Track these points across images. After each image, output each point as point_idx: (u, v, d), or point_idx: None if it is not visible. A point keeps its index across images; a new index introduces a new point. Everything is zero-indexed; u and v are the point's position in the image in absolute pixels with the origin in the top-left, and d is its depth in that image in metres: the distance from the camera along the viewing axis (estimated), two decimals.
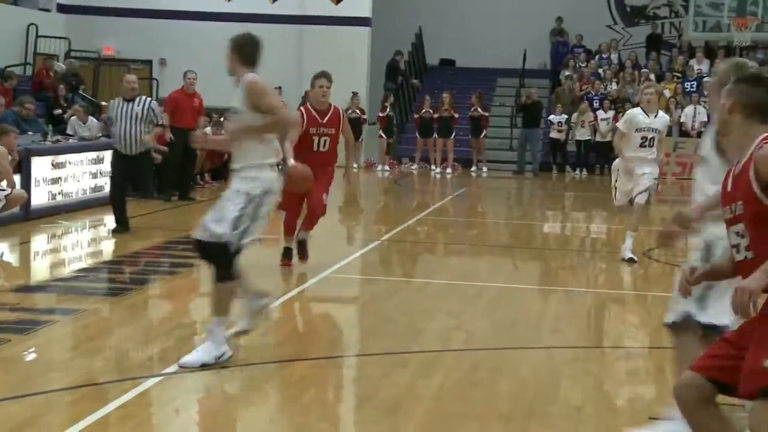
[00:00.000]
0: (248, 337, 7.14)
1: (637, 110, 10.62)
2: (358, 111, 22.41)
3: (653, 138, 10.33)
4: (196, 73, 15.75)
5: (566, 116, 23.49)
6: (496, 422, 5.27)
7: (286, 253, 9.57)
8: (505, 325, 7.81)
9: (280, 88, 23.75)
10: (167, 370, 5.97)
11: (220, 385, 5.93)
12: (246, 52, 6.13)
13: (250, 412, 5.48)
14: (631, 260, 10.44)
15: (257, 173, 6.03)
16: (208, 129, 18.18)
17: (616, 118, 22.40)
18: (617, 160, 10.63)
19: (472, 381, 6.04)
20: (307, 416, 5.42)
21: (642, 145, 10.31)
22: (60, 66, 20.40)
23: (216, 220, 6.02)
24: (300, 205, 9.43)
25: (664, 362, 6.55)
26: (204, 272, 9.88)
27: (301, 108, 9.59)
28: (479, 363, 6.53)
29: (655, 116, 10.42)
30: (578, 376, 6.28)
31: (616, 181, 10.65)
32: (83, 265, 10.23)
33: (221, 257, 6.01)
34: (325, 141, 9.29)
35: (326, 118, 9.34)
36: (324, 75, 9.45)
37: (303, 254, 9.62)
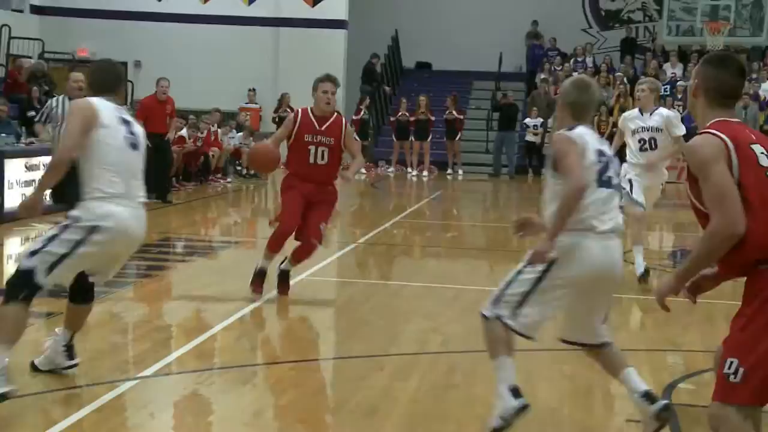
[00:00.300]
0: (224, 340, 7.14)
1: (634, 111, 9.53)
2: None
3: (653, 139, 9.15)
4: (168, 81, 15.72)
5: (542, 120, 23.57)
6: (473, 424, 5.27)
7: (260, 275, 8.19)
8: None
9: (254, 90, 23.78)
10: (143, 374, 5.94)
11: (196, 389, 5.89)
12: (94, 78, 5.81)
13: (226, 415, 5.45)
14: (644, 275, 9.09)
15: (91, 204, 5.40)
16: (184, 131, 18.17)
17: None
18: (624, 165, 8.96)
19: (448, 384, 6.04)
20: (284, 420, 5.40)
21: (642, 149, 9.16)
22: (29, 62, 20.25)
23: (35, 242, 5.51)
24: (298, 219, 8.10)
25: (640, 365, 6.57)
26: (178, 275, 9.86)
27: (299, 109, 8.33)
28: (456, 366, 6.53)
29: (650, 114, 9.21)
30: (555, 378, 6.30)
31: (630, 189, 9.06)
32: None
33: (18, 283, 5.27)
34: (323, 152, 8.06)
35: (325, 126, 8.06)
36: (329, 78, 8.09)
37: (284, 287, 8.33)
